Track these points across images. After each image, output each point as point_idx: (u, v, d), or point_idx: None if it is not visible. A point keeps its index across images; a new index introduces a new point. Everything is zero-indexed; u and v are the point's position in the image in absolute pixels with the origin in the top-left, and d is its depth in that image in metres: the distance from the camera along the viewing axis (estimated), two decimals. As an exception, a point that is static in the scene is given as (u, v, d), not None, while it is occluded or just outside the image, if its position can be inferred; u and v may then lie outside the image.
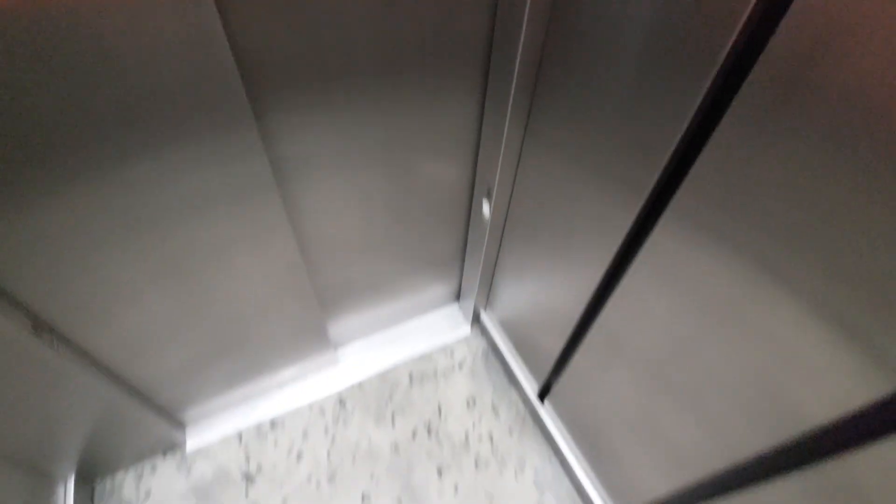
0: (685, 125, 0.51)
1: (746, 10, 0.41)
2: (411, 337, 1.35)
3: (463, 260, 1.24)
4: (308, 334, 1.10)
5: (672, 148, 0.53)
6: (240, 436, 1.15)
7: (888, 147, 0.35)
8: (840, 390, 0.45)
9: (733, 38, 0.43)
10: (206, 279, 0.83)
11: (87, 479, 1.04)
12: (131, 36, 0.50)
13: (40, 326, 0.70)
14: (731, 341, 0.55)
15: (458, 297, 1.40)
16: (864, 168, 0.37)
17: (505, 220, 0.99)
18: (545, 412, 1.14)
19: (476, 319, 1.36)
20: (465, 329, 1.38)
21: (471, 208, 1.06)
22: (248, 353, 1.05)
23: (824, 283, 0.43)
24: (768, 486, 0.57)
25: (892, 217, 0.36)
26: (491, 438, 1.17)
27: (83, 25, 0.47)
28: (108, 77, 0.52)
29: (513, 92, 0.74)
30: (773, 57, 0.40)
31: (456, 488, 1.09)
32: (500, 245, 1.07)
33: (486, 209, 0.96)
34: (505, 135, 0.80)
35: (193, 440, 1.13)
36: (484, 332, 1.35)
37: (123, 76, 0.53)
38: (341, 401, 1.22)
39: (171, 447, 1.10)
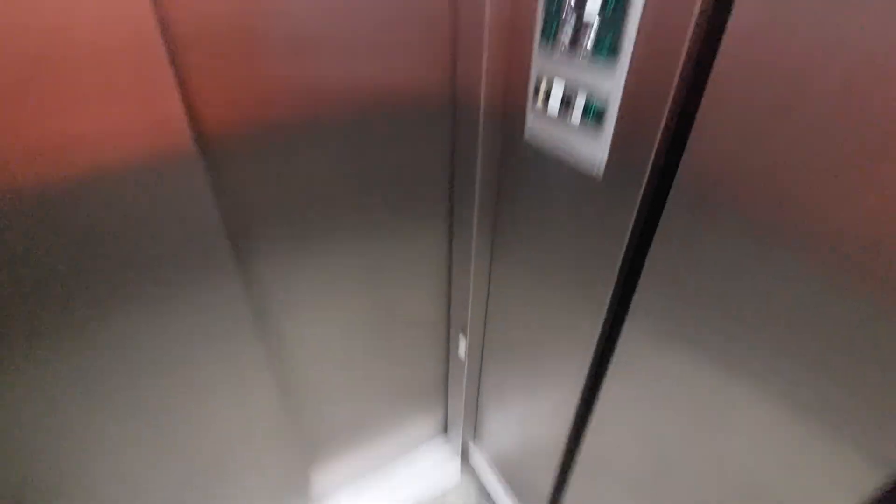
0: (620, 258, 0.58)
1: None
2: (399, 483, 1.26)
3: (447, 392, 1.22)
4: (289, 488, 1.03)
5: (616, 271, 0.59)
6: None
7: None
8: (825, 489, 0.44)
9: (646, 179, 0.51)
10: (180, 431, 0.79)
11: None
12: (123, 209, 0.56)
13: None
14: (713, 443, 0.55)
15: (445, 428, 1.35)
16: (789, 261, 0.41)
17: (482, 352, 1.01)
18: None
19: (465, 457, 1.30)
20: (455, 464, 1.30)
21: (449, 340, 1.08)
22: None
23: (791, 374, 0.45)
24: None
25: (839, 301, 0.39)
26: None
27: (77, 199, 0.53)
28: (98, 244, 0.56)
29: (474, 237, 0.83)
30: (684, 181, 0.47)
31: None
32: (479, 375, 1.07)
33: (462, 347, 1.00)
34: (472, 273, 0.88)
35: None
36: (474, 473, 1.28)
37: (115, 245, 0.57)
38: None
39: None
